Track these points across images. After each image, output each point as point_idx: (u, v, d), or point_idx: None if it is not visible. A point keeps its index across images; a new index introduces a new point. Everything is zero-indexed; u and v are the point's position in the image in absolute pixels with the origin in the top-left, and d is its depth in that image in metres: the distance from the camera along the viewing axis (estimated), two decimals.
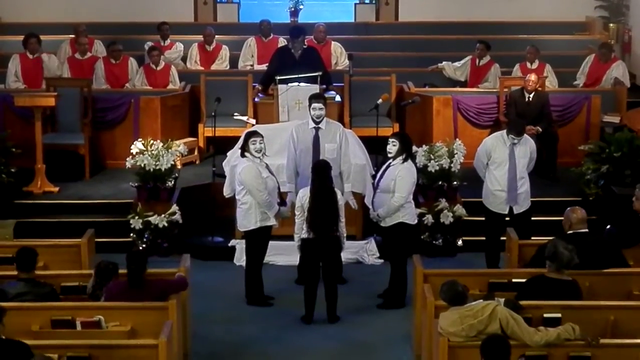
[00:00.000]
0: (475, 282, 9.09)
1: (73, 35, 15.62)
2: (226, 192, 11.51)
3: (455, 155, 12.20)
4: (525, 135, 11.12)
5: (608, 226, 9.90)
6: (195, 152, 14.24)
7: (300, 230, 10.17)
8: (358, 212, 11.90)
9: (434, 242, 12.08)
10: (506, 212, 10.98)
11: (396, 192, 10.32)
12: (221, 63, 15.82)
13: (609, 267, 9.14)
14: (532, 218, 11.16)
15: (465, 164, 12.36)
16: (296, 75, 13.21)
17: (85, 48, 15.05)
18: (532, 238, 10.53)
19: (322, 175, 10.11)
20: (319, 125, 11.06)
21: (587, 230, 9.38)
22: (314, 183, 10.12)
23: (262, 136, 10.54)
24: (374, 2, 18.67)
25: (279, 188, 10.67)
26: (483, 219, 11.26)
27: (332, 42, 15.59)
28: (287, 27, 15.44)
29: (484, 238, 11.29)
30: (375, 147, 12.28)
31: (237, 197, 10.63)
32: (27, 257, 8.62)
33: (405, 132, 11.68)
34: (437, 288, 8.37)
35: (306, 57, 13.68)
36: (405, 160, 10.39)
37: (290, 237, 10.55)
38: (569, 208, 9.52)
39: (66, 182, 13.20)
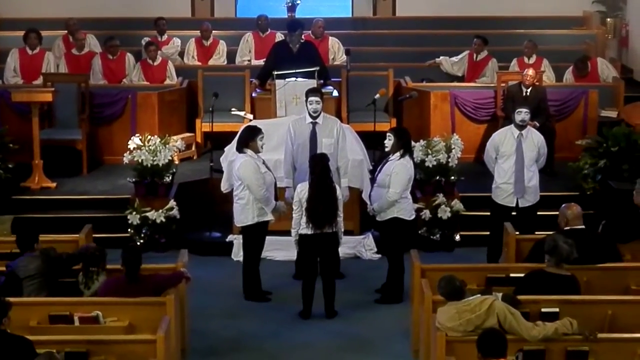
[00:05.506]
0: (473, 277, 9.09)
1: (66, 31, 15.59)
2: (224, 187, 11.53)
3: (453, 150, 12.19)
4: (532, 129, 11.15)
5: (603, 221, 9.91)
6: (193, 148, 14.23)
7: (298, 226, 10.16)
8: (356, 207, 11.90)
9: (431, 237, 12.08)
10: (513, 205, 10.99)
11: (390, 187, 10.30)
12: (218, 58, 15.80)
13: (604, 262, 9.14)
14: None
15: (462, 158, 12.37)
16: (294, 71, 13.21)
17: (82, 43, 15.04)
18: None
19: (320, 163, 10.05)
20: (316, 120, 11.02)
21: (583, 226, 9.38)
22: (313, 170, 10.05)
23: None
24: None
25: (275, 184, 10.66)
26: (488, 213, 11.26)
27: (330, 37, 15.58)
28: (284, 22, 15.45)
29: (487, 232, 11.24)
30: (373, 142, 12.28)
31: (234, 192, 10.61)
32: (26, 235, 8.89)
33: (404, 128, 11.60)
34: (434, 283, 8.36)
35: (304, 52, 13.68)
36: (402, 155, 10.35)
37: (288, 232, 10.53)
38: (563, 205, 9.50)
39: (63, 178, 13.20)
